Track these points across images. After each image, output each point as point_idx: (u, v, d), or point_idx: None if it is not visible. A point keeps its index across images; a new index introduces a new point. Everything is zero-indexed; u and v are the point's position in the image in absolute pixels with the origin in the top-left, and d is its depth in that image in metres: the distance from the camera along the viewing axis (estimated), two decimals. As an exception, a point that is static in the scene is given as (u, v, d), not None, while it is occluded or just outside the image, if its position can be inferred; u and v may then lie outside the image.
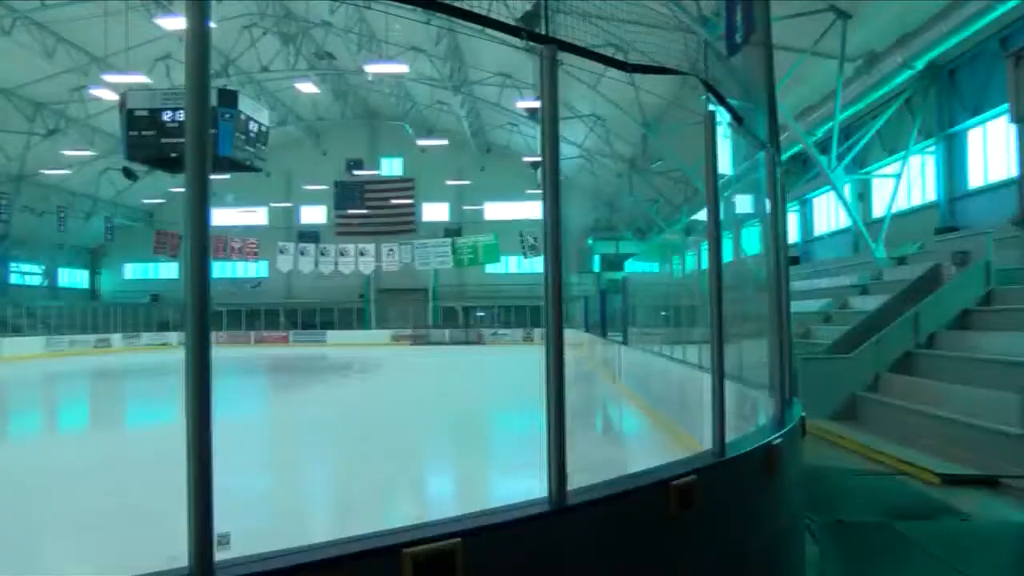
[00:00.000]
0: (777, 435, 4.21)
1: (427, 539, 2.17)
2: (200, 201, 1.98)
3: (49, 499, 8.33)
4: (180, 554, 1.94)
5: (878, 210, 21.84)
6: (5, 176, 39.37)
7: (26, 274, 49.22)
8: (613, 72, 4.03)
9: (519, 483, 8.68)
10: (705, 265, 8.03)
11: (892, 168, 20.49)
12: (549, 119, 2.86)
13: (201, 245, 1.98)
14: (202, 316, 1.96)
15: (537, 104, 30.71)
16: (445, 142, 46.11)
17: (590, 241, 50.88)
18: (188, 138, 2.00)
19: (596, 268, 49.61)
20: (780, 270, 5.18)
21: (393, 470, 10.08)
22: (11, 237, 44.48)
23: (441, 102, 42.24)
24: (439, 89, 38.43)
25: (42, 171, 40.20)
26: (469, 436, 13.30)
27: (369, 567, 2.09)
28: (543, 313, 2.85)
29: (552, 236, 2.81)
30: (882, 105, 19.94)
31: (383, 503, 8.51)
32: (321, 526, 7.56)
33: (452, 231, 50.84)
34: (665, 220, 37.38)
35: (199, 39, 2.00)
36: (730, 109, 4.59)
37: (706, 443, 3.95)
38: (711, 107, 4.22)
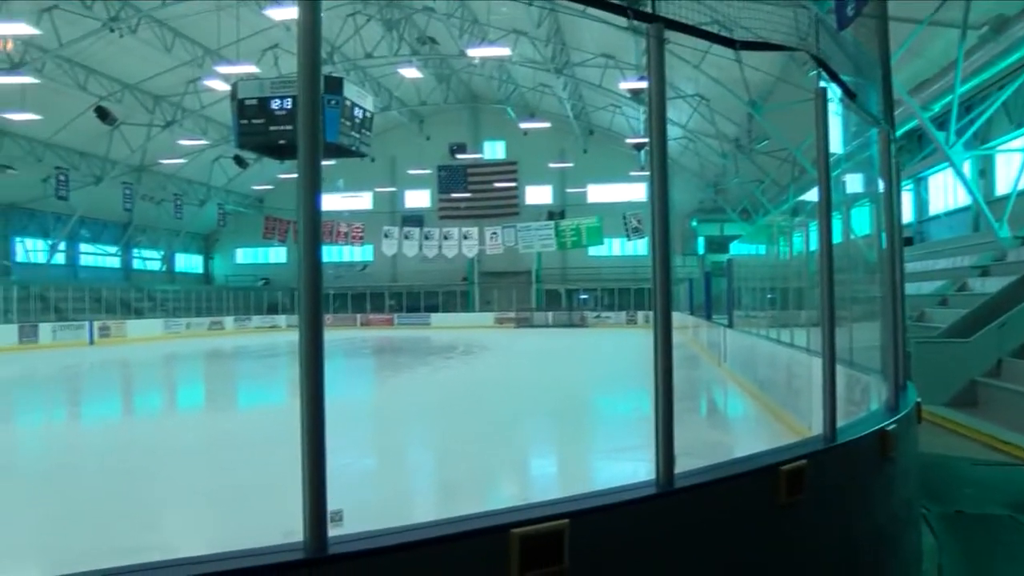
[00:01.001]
0: (891, 420, 4.08)
1: (535, 520, 2.18)
2: (312, 188, 2.04)
3: (169, 474, 8.69)
4: (295, 529, 2.01)
5: (1002, 187, 20.74)
6: (128, 167, 41.29)
7: (147, 259, 51.63)
8: (717, 50, 3.94)
9: (623, 466, 8.66)
10: (813, 247, 7.81)
11: (1020, 142, 19.39)
12: (656, 99, 2.82)
13: (313, 231, 2.04)
14: (314, 300, 2.02)
15: (640, 85, 30.24)
16: (548, 125, 45.99)
17: (694, 223, 50.14)
18: (300, 129, 2.05)
19: (700, 250, 48.93)
20: (894, 251, 5.01)
21: (498, 451, 10.17)
22: (134, 224, 46.82)
23: (543, 85, 42.20)
24: (541, 72, 38.41)
25: (160, 161, 42.04)
26: (573, 418, 13.29)
27: (478, 546, 2.12)
28: (650, 297, 2.84)
29: (660, 219, 2.78)
30: (1010, 75, 18.72)
31: (489, 483, 8.61)
32: (429, 505, 7.68)
33: (555, 214, 50.86)
34: (771, 201, 36.50)
35: (310, 32, 2.05)
36: (842, 85, 4.45)
37: (815, 428, 3.87)
38: (822, 83, 4.09)
